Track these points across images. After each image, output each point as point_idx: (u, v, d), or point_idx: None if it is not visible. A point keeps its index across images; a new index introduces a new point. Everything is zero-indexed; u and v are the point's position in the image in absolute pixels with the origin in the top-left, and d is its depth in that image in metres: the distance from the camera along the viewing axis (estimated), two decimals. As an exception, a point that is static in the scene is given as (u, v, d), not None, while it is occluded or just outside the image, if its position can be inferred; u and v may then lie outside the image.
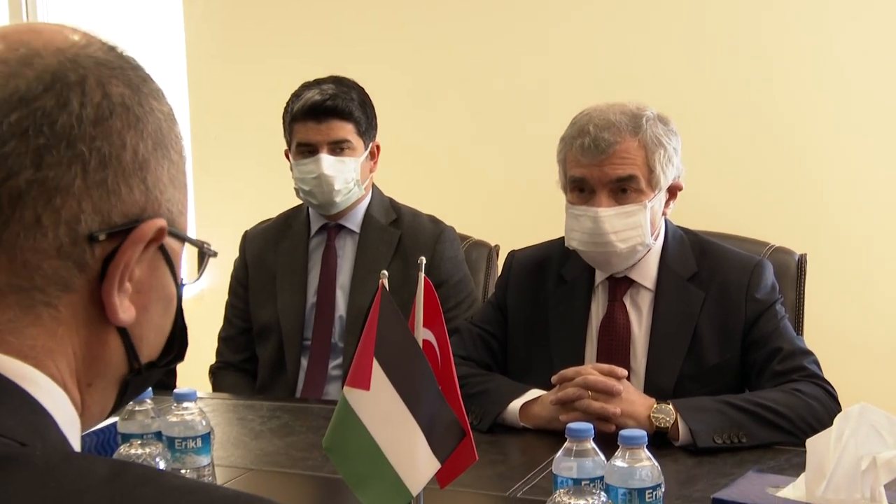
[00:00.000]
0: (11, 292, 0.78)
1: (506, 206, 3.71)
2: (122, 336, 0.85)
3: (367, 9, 4.03)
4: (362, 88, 2.88)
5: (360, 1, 4.05)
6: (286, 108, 2.86)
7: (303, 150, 2.80)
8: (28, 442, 0.74)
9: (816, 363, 2.28)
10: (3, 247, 0.77)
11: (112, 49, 0.84)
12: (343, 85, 2.84)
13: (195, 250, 0.95)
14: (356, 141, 2.82)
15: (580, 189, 2.31)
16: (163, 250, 0.86)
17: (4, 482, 0.69)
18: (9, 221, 0.76)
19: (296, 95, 2.85)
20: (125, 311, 0.83)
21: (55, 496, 0.69)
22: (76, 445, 0.82)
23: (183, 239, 0.89)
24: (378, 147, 2.91)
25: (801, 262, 2.66)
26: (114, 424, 1.99)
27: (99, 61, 0.81)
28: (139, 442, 1.89)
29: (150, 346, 0.89)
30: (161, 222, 0.83)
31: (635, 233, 2.28)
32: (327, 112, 2.78)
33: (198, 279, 0.97)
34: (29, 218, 0.77)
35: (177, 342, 0.92)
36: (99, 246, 0.80)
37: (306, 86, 2.85)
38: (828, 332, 2.95)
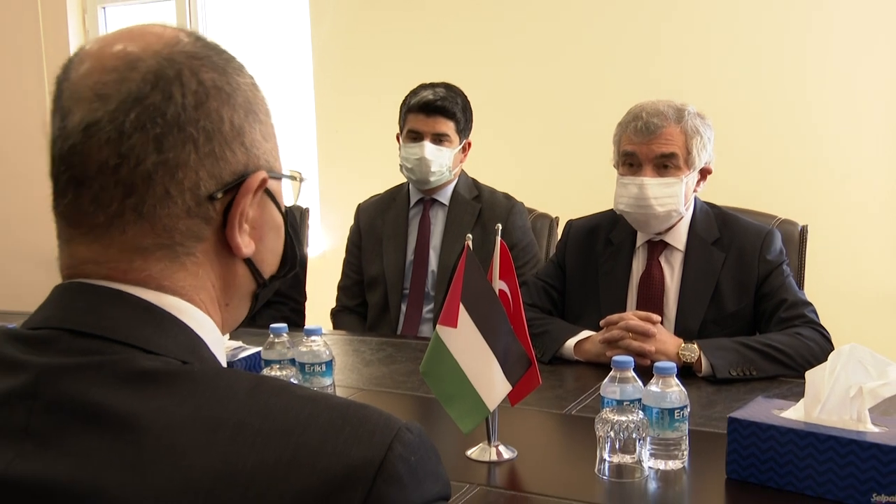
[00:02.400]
0: (158, 249, 0.79)
1: (564, 185, 3.68)
2: (248, 263, 0.86)
3: (464, 26, 4.02)
4: (466, 95, 2.88)
5: (459, 18, 4.04)
6: (404, 101, 2.87)
7: (411, 136, 2.81)
8: (187, 360, 0.76)
9: (814, 312, 2.25)
10: (145, 217, 0.78)
11: (198, 40, 0.83)
12: (451, 90, 2.84)
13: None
14: (454, 136, 2.82)
15: (630, 163, 2.30)
16: (267, 192, 0.86)
17: (171, 392, 0.71)
18: (145, 197, 0.77)
19: (413, 92, 2.86)
20: (247, 246, 0.84)
21: (209, 403, 0.71)
22: (223, 361, 0.84)
23: (280, 178, 0.89)
24: (469, 143, 2.90)
25: (804, 232, 2.61)
26: (258, 352, 2.04)
27: (189, 54, 0.80)
28: (277, 366, 1.93)
29: (270, 265, 0.90)
30: (262, 174, 0.83)
31: (672, 200, 2.27)
32: (436, 110, 2.78)
33: (296, 201, 0.95)
34: (160, 192, 0.77)
35: (289, 257, 0.92)
36: (218, 202, 0.81)
37: (423, 86, 2.86)
38: (824, 287, 2.90)
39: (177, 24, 0.85)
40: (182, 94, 0.78)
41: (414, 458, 0.70)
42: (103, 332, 0.75)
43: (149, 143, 0.76)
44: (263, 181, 0.83)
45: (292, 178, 0.93)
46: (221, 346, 0.85)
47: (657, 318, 2.16)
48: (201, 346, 0.80)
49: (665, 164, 2.26)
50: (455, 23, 4.03)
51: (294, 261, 0.93)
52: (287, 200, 0.92)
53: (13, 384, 0.72)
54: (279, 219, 0.89)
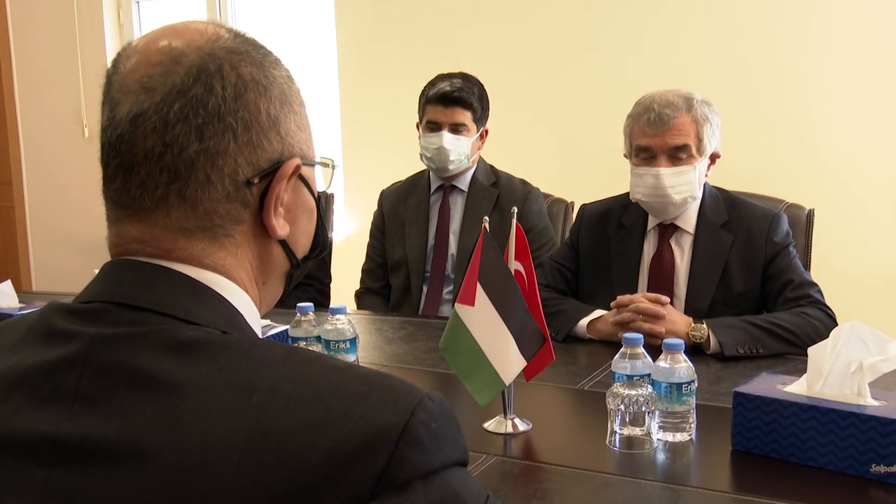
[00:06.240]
0: (200, 231, 0.82)
1: (578, 172, 3.69)
2: (283, 245, 0.89)
3: (483, 16, 4.02)
4: (482, 85, 2.87)
5: (478, 8, 4.04)
6: (423, 92, 2.87)
7: (430, 126, 2.82)
8: (226, 330, 0.79)
9: (820, 292, 2.25)
10: (187, 201, 0.81)
11: (237, 36, 0.85)
12: (468, 81, 2.84)
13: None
14: (471, 125, 2.82)
15: (644, 155, 2.31)
16: (301, 178, 0.88)
17: (210, 360, 0.74)
18: (188, 182, 0.80)
19: (431, 83, 2.85)
20: (281, 228, 0.86)
21: (245, 369, 0.73)
22: (259, 333, 0.87)
23: (314, 164, 0.91)
24: (486, 131, 2.90)
25: (810, 216, 2.60)
26: (286, 330, 2.06)
27: (229, 50, 0.82)
28: (304, 343, 1.94)
29: (303, 246, 0.93)
30: (296, 161, 0.86)
31: (687, 187, 2.28)
32: (453, 101, 2.78)
33: (328, 188, 0.98)
34: (202, 178, 0.80)
35: (320, 239, 0.94)
36: (255, 187, 0.83)
37: (440, 77, 2.85)
38: (829, 269, 2.90)
39: (211, 18, 0.88)
40: (222, 87, 0.81)
41: (435, 425, 0.72)
42: (149, 304, 0.78)
43: (191, 132, 0.79)
44: (297, 168, 0.86)
45: (324, 164, 0.96)
46: (257, 319, 0.88)
47: (666, 299, 2.17)
48: (239, 318, 0.83)
49: (678, 155, 2.26)
50: (473, 12, 4.03)
51: (325, 243, 0.95)
52: (319, 186, 0.94)
53: (66, 352, 0.75)
54: (312, 203, 0.92)
